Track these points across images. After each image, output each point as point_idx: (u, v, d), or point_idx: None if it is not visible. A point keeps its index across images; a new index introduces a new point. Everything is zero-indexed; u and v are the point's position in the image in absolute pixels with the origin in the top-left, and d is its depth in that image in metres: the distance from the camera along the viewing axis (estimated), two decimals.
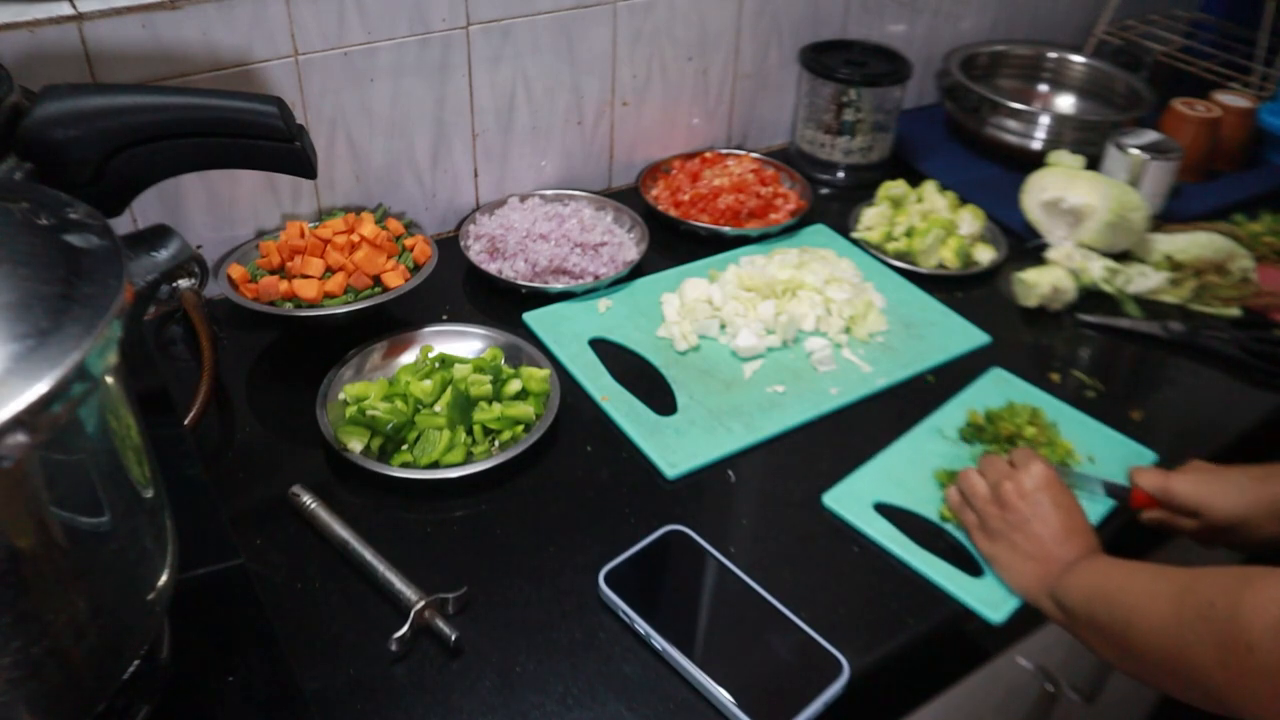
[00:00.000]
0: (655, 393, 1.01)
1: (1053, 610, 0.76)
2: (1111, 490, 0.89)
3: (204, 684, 0.63)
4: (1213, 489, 0.83)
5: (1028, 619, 0.82)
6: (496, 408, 0.93)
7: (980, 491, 0.84)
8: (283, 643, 0.68)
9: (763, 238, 1.26)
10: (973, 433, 0.96)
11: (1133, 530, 0.90)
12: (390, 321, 1.07)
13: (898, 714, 0.82)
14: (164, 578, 0.58)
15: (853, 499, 0.89)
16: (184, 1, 0.95)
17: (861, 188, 1.38)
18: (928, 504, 0.89)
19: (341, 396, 0.94)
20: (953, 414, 0.99)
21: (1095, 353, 1.12)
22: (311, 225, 1.07)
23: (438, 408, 0.92)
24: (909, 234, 1.24)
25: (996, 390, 1.03)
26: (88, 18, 0.91)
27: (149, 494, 0.56)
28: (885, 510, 0.89)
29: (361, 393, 0.93)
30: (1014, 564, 0.80)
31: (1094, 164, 1.32)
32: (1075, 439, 0.96)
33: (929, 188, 1.31)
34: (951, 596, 0.82)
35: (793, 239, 1.27)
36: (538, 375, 0.96)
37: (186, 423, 0.91)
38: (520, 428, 0.93)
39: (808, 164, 1.43)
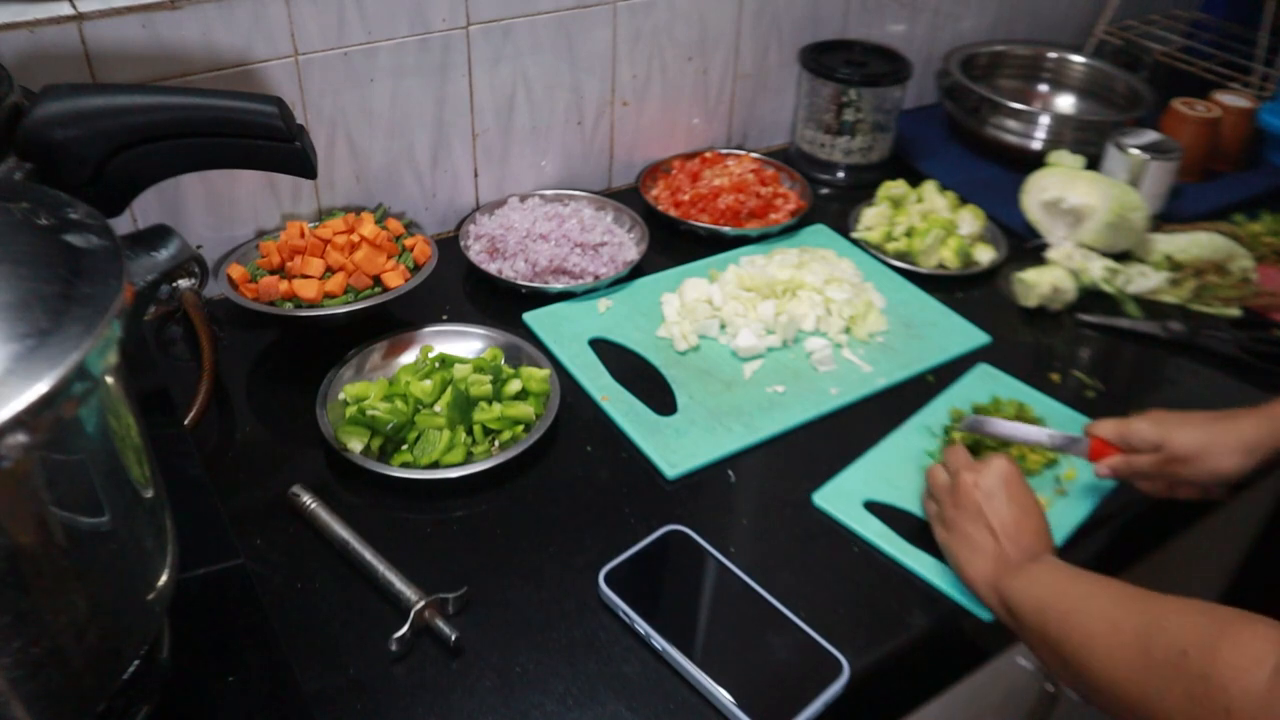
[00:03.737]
0: (655, 393, 1.01)
1: (999, 609, 0.75)
2: (1065, 446, 0.89)
3: (204, 684, 0.63)
4: (1174, 423, 0.84)
5: None
6: (496, 408, 0.93)
7: (940, 481, 0.83)
8: (283, 643, 0.68)
9: (763, 238, 1.26)
10: (959, 429, 0.96)
11: (1123, 536, 0.90)
12: (390, 321, 1.07)
13: (898, 714, 0.82)
14: (164, 578, 0.58)
15: (842, 498, 0.89)
16: (184, 1, 0.95)
17: (861, 188, 1.38)
18: (917, 501, 0.89)
19: (341, 396, 0.94)
20: (940, 411, 1.00)
21: (1095, 353, 1.12)
22: (311, 225, 1.07)
23: (438, 408, 0.92)
24: (909, 234, 1.24)
25: (982, 386, 1.03)
26: (88, 18, 0.91)
27: (149, 494, 0.56)
28: (875, 508, 0.89)
29: (361, 393, 0.93)
30: (964, 556, 0.79)
31: (1094, 164, 1.32)
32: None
33: (929, 188, 1.31)
34: (946, 595, 0.82)
35: (793, 239, 1.27)
36: (538, 375, 0.96)
37: (186, 423, 0.91)
38: (520, 428, 0.93)
39: (808, 164, 1.43)
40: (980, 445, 0.93)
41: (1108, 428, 0.87)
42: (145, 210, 1.04)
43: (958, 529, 0.80)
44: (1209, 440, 0.83)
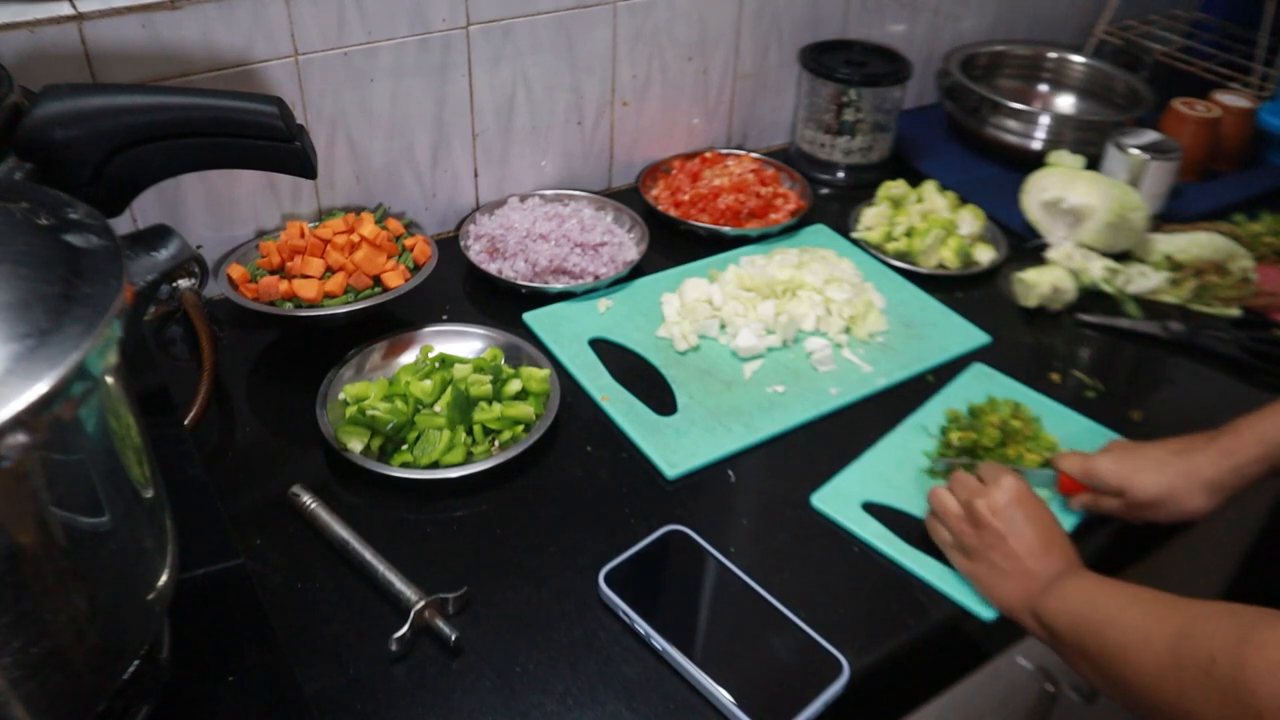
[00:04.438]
0: (655, 393, 1.01)
1: (1036, 628, 0.75)
2: (1036, 480, 0.89)
3: (204, 684, 0.63)
4: (1134, 467, 0.83)
5: None
6: (496, 408, 0.93)
7: (952, 510, 0.82)
8: (283, 643, 0.68)
9: (763, 238, 1.26)
10: (956, 429, 0.95)
11: (1119, 540, 0.90)
12: (390, 321, 1.07)
13: (898, 714, 0.82)
14: (164, 578, 0.58)
15: (841, 499, 0.89)
16: (184, 1, 0.95)
17: (861, 188, 1.38)
18: (915, 502, 0.89)
19: (341, 396, 0.94)
20: (937, 411, 1.00)
21: (1095, 353, 1.12)
22: (311, 225, 1.07)
23: (438, 408, 0.92)
24: (909, 234, 1.24)
25: (978, 386, 1.03)
26: (88, 18, 0.91)
27: (149, 494, 0.56)
28: (874, 509, 0.89)
29: (361, 393, 0.93)
30: (993, 583, 0.78)
31: (1094, 164, 1.32)
32: (1058, 432, 0.96)
33: (929, 188, 1.31)
34: (945, 595, 0.82)
35: (793, 239, 1.27)
36: (538, 375, 0.96)
37: (186, 423, 0.91)
38: (520, 428, 0.93)
39: (808, 164, 1.43)
40: (977, 446, 0.93)
41: (1072, 464, 0.87)
42: (145, 210, 1.04)
43: (982, 557, 0.79)
44: (1169, 486, 0.82)
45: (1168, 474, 0.82)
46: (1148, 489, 0.82)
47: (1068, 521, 0.88)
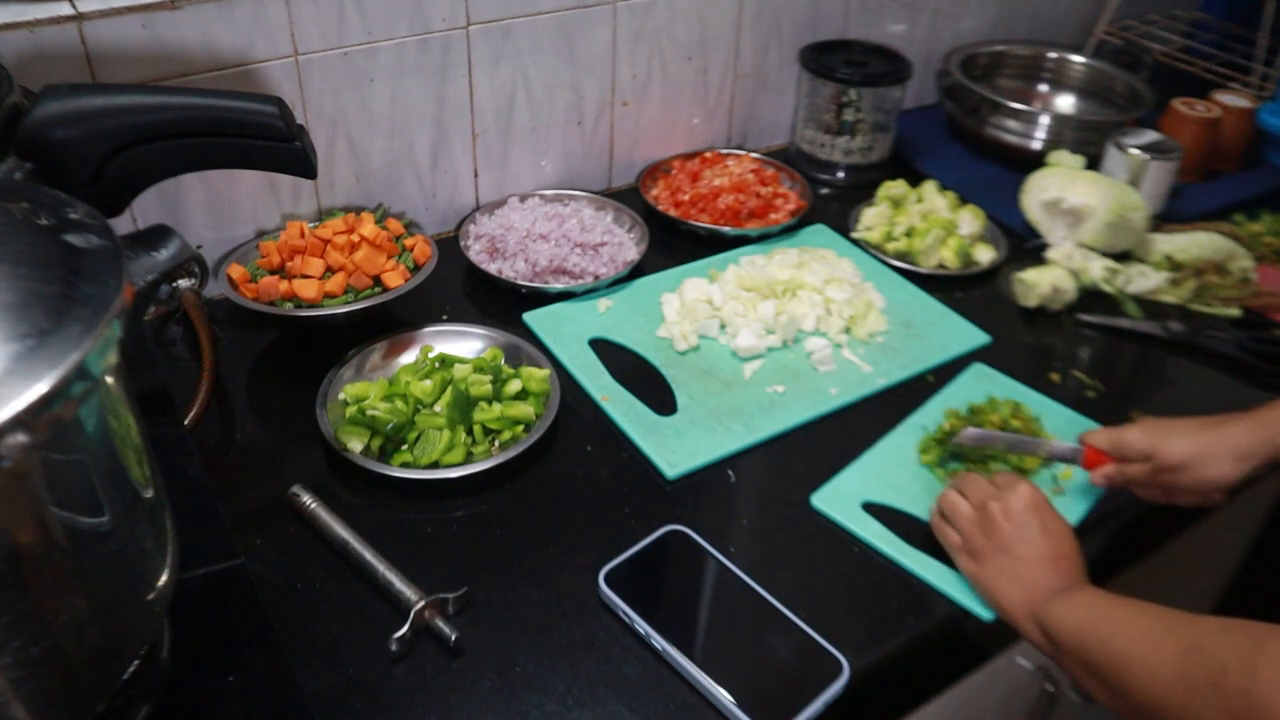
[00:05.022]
0: (655, 393, 1.01)
1: (1037, 637, 0.75)
2: (1061, 455, 0.90)
3: (204, 684, 0.63)
4: (1163, 432, 0.84)
5: None
6: (496, 408, 0.93)
7: (963, 511, 0.82)
8: (283, 643, 0.68)
9: (763, 238, 1.26)
10: (955, 429, 0.95)
11: (1122, 536, 0.90)
12: (390, 321, 1.07)
13: (898, 714, 0.82)
14: (164, 578, 0.58)
15: (840, 499, 0.89)
16: (184, 1, 0.95)
17: (861, 188, 1.38)
18: (915, 502, 0.89)
19: (341, 396, 0.94)
20: (937, 411, 1.00)
21: (1095, 353, 1.12)
22: (311, 225, 1.07)
23: (438, 408, 0.92)
24: (909, 234, 1.24)
25: (978, 386, 1.03)
26: (88, 18, 0.91)
27: (149, 494, 0.56)
28: (874, 509, 0.89)
29: (361, 393, 0.93)
30: (999, 587, 0.78)
31: (1094, 164, 1.32)
32: (1058, 432, 0.96)
33: (929, 188, 1.31)
34: (945, 595, 0.82)
35: (793, 239, 1.27)
36: (538, 375, 0.96)
37: (186, 423, 0.91)
38: (520, 428, 0.93)
39: (808, 164, 1.43)
40: (980, 452, 0.93)
41: (1100, 437, 0.87)
42: (145, 210, 1.04)
43: (990, 561, 0.79)
44: (1199, 449, 0.82)
45: (1198, 439, 0.83)
46: (1176, 451, 0.82)
47: (1072, 515, 0.88)
